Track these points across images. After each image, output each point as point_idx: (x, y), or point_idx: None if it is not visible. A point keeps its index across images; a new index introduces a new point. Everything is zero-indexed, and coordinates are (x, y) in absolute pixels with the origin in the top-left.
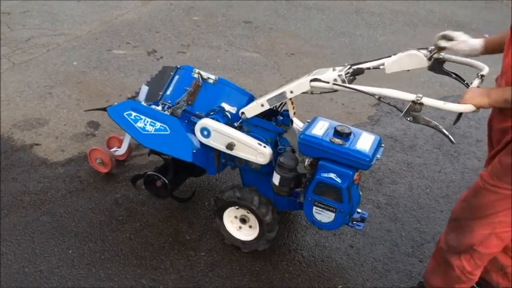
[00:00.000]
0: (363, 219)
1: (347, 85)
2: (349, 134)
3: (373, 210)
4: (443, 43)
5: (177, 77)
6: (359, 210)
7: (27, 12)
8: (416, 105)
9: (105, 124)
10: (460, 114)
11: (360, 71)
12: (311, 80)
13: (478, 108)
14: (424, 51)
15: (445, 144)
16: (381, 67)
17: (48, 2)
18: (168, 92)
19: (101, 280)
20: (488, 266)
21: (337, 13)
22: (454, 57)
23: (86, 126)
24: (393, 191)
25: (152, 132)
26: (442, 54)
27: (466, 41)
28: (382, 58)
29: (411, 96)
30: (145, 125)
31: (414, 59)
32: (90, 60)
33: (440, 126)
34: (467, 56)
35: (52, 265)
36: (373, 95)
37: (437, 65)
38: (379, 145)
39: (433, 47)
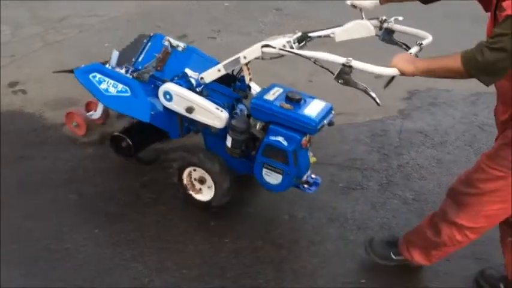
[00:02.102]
0: (315, 184)
1: (290, 50)
2: (300, 100)
3: (399, 205)
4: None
5: (149, 44)
6: (313, 176)
7: None
8: (346, 67)
9: None
10: (391, 79)
11: (304, 37)
12: (262, 46)
13: (402, 73)
14: (374, 21)
15: (477, 141)
16: (331, 35)
17: None
18: (140, 59)
19: (126, 260)
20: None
21: None
22: (400, 26)
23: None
24: (421, 186)
25: (114, 94)
26: (391, 25)
27: None
28: (333, 27)
29: (342, 60)
30: (108, 86)
31: (361, 27)
32: (122, 42)
33: (369, 90)
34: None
35: (78, 243)
36: (309, 58)
37: (387, 35)
38: (329, 112)
39: (383, 17)
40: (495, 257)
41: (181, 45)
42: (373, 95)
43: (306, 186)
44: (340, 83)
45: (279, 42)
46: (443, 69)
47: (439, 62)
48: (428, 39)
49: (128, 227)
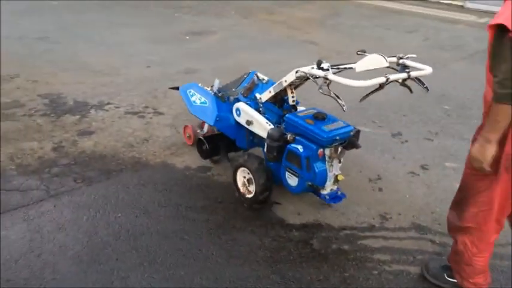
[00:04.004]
0: (338, 198)
1: (303, 70)
2: (323, 118)
3: None
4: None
5: (246, 78)
6: (340, 192)
7: None
8: (324, 79)
9: None
10: (369, 93)
11: (319, 62)
12: (296, 71)
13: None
14: (393, 58)
15: None
16: (353, 67)
17: None
18: (238, 88)
19: None
20: None
21: None
22: (411, 62)
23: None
24: None
25: (198, 104)
26: (405, 61)
27: None
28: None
29: (322, 73)
30: (196, 99)
31: (377, 60)
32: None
33: (339, 98)
34: None
35: None
36: (306, 73)
37: (403, 70)
38: (346, 132)
39: (400, 55)
40: None
41: (265, 78)
42: (342, 102)
43: (326, 197)
44: (320, 92)
45: (306, 69)
46: None
47: None
48: (425, 70)
49: None
